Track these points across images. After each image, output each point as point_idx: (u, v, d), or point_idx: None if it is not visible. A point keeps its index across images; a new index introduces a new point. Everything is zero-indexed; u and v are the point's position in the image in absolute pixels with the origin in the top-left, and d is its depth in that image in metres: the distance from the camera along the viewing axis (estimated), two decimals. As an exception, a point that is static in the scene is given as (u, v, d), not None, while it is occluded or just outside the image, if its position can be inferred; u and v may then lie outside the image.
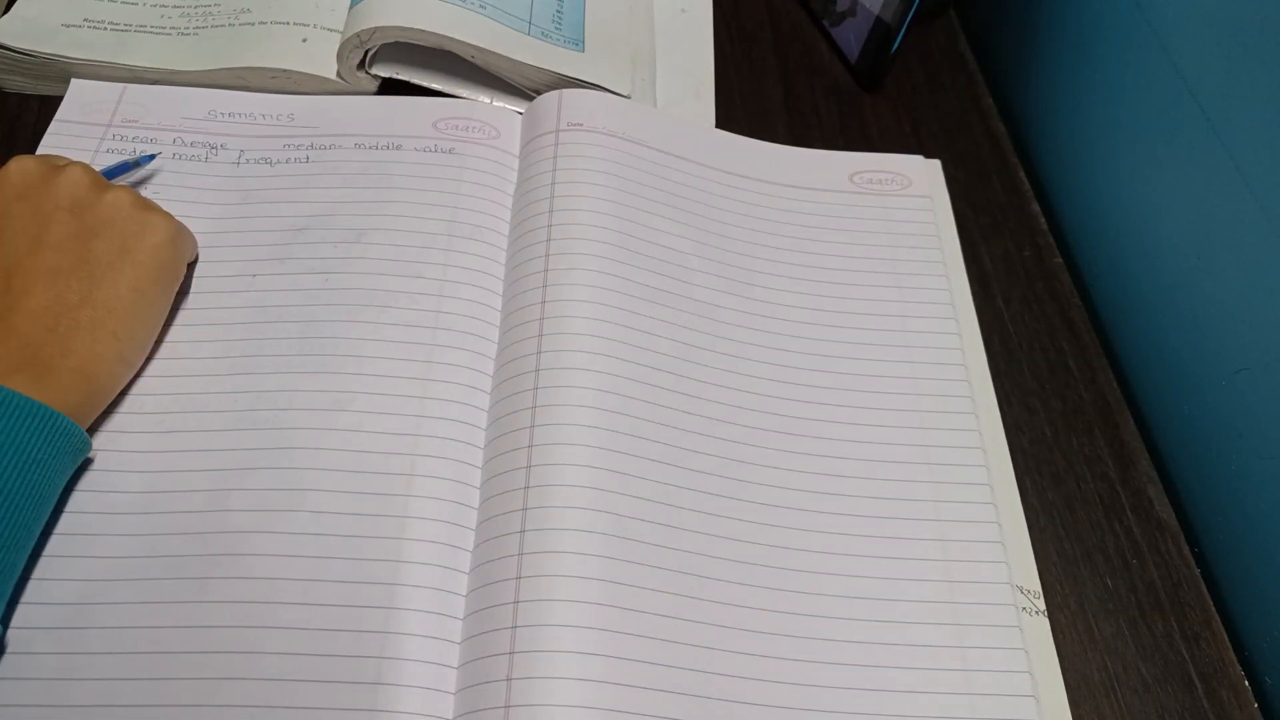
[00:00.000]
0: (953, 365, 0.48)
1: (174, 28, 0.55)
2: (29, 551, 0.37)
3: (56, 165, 0.44)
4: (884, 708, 0.38)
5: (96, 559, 0.39)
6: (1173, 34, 0.50)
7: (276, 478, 0.41)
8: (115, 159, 0.49)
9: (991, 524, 0.43)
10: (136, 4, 0.57)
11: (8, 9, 0.55)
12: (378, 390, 0.44)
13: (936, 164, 0.57)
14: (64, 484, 0.39)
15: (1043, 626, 0.42)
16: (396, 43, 0.52)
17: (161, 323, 0.44)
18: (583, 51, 0.56)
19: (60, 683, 0.36)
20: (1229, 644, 0.43)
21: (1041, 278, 0.54)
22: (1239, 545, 0.46)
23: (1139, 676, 0.42)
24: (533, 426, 0.42)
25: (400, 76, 0.54)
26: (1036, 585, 0.43)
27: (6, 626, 0.37)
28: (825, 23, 0.63)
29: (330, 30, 0.55)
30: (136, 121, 0.52)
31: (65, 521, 0.40)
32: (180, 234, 0.45)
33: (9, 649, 0.37)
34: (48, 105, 0.53)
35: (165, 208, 0.46)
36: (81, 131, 0.51)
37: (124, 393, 0.43)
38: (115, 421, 0.42)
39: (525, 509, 0.40)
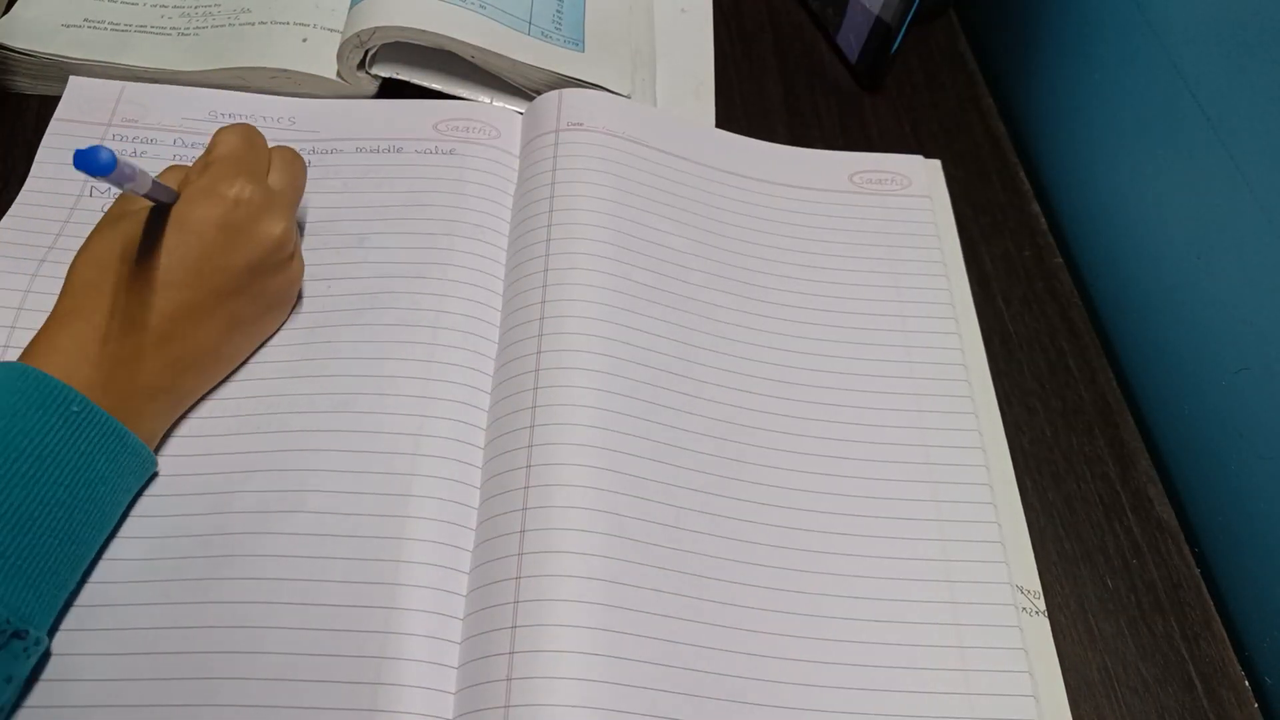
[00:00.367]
0: (952, 365, 0.48)
1: (174, 28, 0.55)
2: (82, 565, 0.37)
3: (267, 204, 0.41)
4: (883, 707, 0.38)
5: (100, 560, 0.39)
6: (1173, 34, 0.50)
7: (278, 479, 0.41)
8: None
9: (991, 524, 0.43)
10: (136, 4, 0.57)
11: (8, 9, 0.55)
12: (379, 391, 0.44)
13: (936, 164, 0.57)
14: (126, 503, 0.39)
15: (1043, 626, 0.42)
16: (397, 43, 0.52)
17: None
18: (583, 51, 0.56)
19: (63, 683, 0.36)
20: (1229, 644, 0.43)
21: (1041, 278, 0.54)
22: (1239, 545, 0.47)
23: (1139, 676, 0.42)
24: (532, 426, 0.42)
25: (400, 76, 0.54)
26: (1036, 585, 0.43)
27: (52, 637, 0.37)
28: (829, 30, 0.63)
29: (330, 30, 0.55)
30: (136, 121, 0.52)
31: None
32: None
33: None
34: (48, 105, 0.53)
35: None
36: (80, 131, 0.51)
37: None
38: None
39: (525, 509, 0.40)
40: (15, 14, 0.55)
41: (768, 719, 0.38)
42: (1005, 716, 0.39)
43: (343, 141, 0.52)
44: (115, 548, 0.39)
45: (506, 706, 0.35)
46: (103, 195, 0.49)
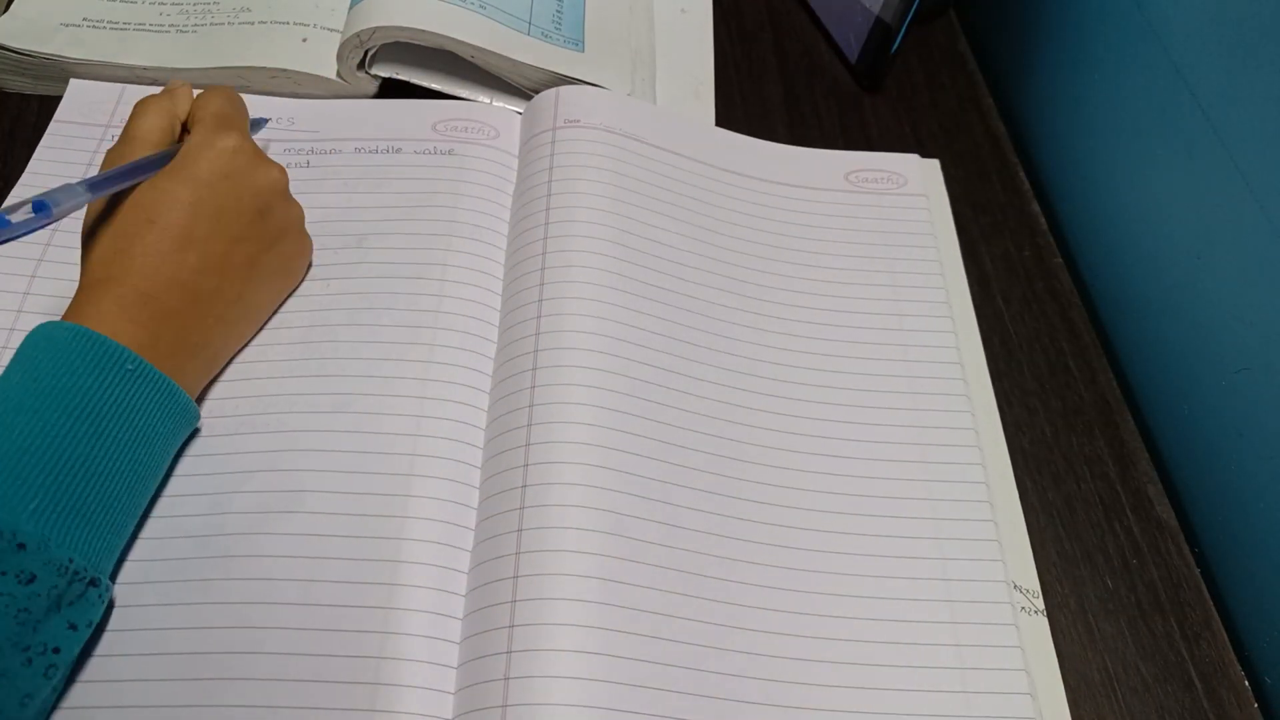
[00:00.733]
0: (949, 364, 0.48)
1: (173, 25, 0.55)
2: (138, 515, 0.39)
3: (258, 153, 0.44)
4: (881, 705, 0.38)
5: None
6: (1173, 34, 0.50)
7: (277, 479, 0.41)
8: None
9: (988, 522, 0.43)
10: (136, 2, 0.57)
11: (7, 9, 0.55)
12: (377, 391, 0.44)
13: (934, 163, 0.57)
14: (173, 453, 0.41)
15: (1041, 625, 0.42)
16: (396, 43, 0.52)
17: None
18: (582, 51, 0.56)
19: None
20: (1229, 644, 0.43)
21: (1041, 278, 0.54)
22: (1239, 545, 0.46)
23: (1139, 676, 0.42)
24: (530, 425, 0.42)
25: (400, 76, 0.54)
26: (1035, 584, 0.43)
27: (90, 652, 0.37)
28: (830, 31, 0.63)
29: (330, 30, 0.55)
30: (136, 121, 0.52)
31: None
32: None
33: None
34: (48, 105, 0.53)
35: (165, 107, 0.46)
36: (80, 132, 0.51)
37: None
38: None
39: (523, 508, 0.40)
40: (14, 13, 0.55)
41: (766, 717, 0.38)
42: (1003, 715, 0.39)
43: (342, 142, 0.52)
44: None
45: (504, 706, 0.35)
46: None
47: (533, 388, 0.43)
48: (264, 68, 0.53)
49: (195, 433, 0.42)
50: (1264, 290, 0.44)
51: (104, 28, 0.55)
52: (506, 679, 0.36)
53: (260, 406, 0.43)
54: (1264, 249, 0.44)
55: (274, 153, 0.52)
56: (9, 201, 0.48)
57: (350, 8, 0.53)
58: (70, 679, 0.36)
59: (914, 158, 0.56)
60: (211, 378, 0.43)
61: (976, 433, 0.46)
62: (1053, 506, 0.46)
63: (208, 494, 0.41)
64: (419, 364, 0.44)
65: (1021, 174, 0.58)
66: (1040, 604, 0.42)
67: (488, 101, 0.55)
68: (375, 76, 0.54)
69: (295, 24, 0.55)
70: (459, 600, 0.39)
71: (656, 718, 0.36)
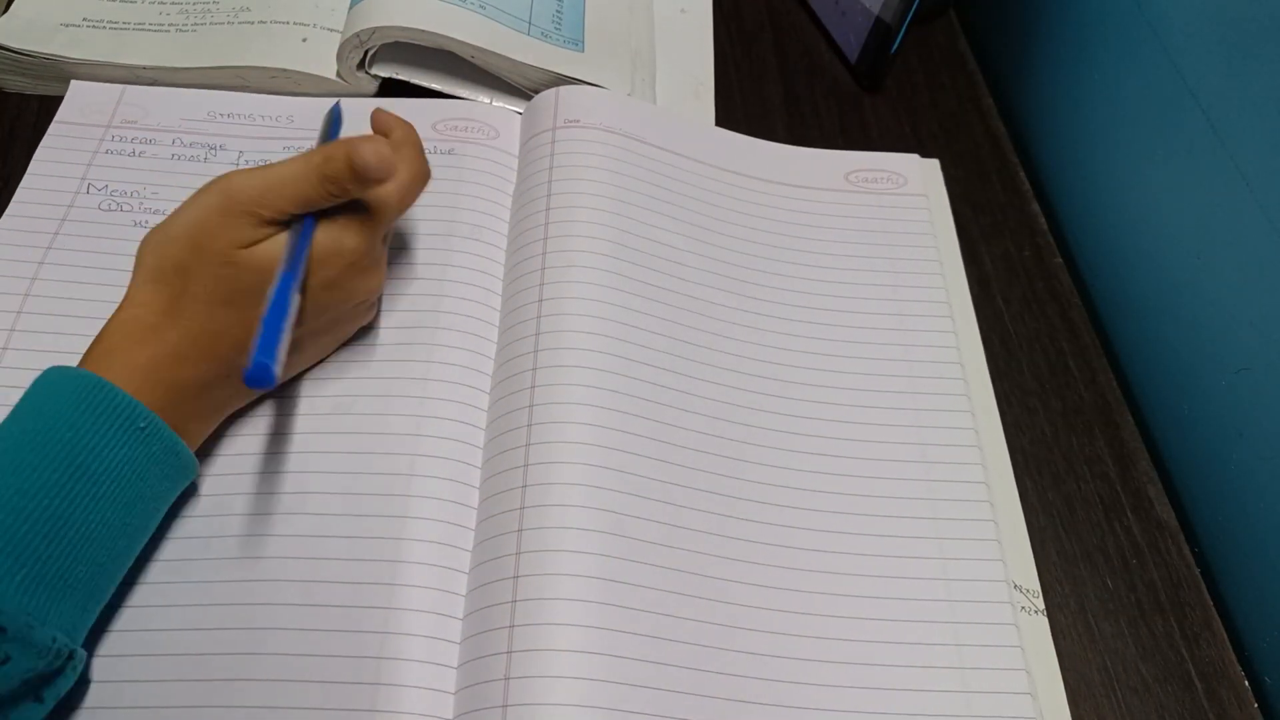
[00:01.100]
0: (949, 364, 0.48)
1: (173, 25, 0.55)
2: (121, 578, 0.37)
3: (370, 260, 0.40)
4: (881, 705, 0.38)
5: None
6: (1173, 34, 0.50)
7: (279, 481, 0.41)
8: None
9: (988, 522, 0.43)
10: (136, 2, 0.57)
11: (7, 9, 0.55)
12: (378, 392, 0.44)
13: (934, 163, 0.57)
14: (165, 510, 0.39)
15: (1041, 625, 0.42)
16: (396, 43, 0.52)
17: None
18: (582, 51, 0.56)
19: (60, 683, 0.36)
20: (1229, 644, 0.43)
21: (1041, 278, 0.54)
22: (1239, 545, 0.46)
23: (1139, 676, 0.42)
24: (530, 425, 0.42)
25: (400, 76, 0.54)
26: (1035, 584, 0.43)
27: (91, 654, 0.36)
28: (830, 31, 0.63)
29: (330, 30, 0.55)
30: (136, 122, 0.52)
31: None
32: None
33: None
34: (48, 105, 0.53)
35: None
36: (80, 133, 0.51)
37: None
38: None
39: (523, 508, 0.40)
40: (14, 14, 0.55)
41: (765, 717, 0.38)
42: (1002, 714, 0.39)
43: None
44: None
45: (504, 706, 0.35)
46: (99, 193, 0.49)
47: (533, 388, 0.43)
48: (264, 67, 0.53)
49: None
50: (1264, 290, 0.44)
51: (104, 28, 0.55)
52: (507, 679, 0.36)
53: (260, 407, 0.43)
54: (1264, 249, 0.44)
55: (272, 151, 0.51)
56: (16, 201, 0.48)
57: (350, 8, 0.53)
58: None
59: (914, 158, 0.56)
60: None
61: (976, 433, 0.46)
62: (1053, 506, 0.46)
63: (209, 495, 0.41)
64: (419, 364, 0.44)
65: (1021, 174, 0.58)
66: (1040, 604, 0.42)
67: (488, 101, 0.55)
68: (375, 76, 0.54)
69: (295, 24, 0.55)
70: (459, 600, 0.39)
71: (657, 717, 0.36)
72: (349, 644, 0.38)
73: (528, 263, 0.47)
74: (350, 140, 0.38)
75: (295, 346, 0.40)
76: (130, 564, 0.37)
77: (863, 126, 0.59)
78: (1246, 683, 0.42)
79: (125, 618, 0.38)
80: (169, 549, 0.39)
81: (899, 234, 0.53)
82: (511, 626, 0.37)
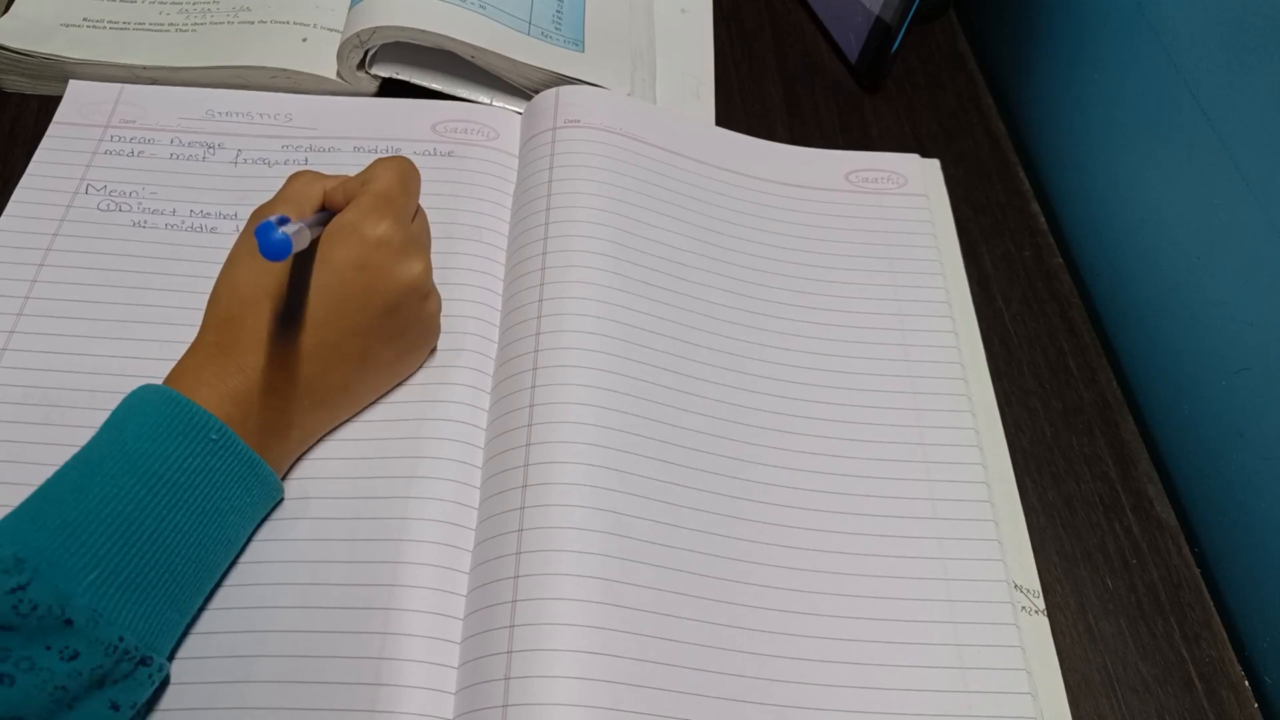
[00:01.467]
0: (949, 364, 0.48)
1: (173, 24, 0.55)
2: (206, 591, 0.37)
3: (405, 245, 0.41)
4: (881, 705, 0.38)
5: None
6: (1173, 34, 0.50)
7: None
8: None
9: (988, 522, 0.43)
10: (136, 2, 0.57)
11: (7, 9, 0.55)
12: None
13: (934, 163, 0.57)
14: (252, 530, 0.39)
15: (1042, 625, 0.42)
16: (396, 43, 0.52)
17: None
18: (582, 52, 0.56)
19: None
20: (1229, 644, 0.43)
21: (1041, 278, 0.54)
22: (1239, 545, 0.46)
23: (1139, 676, 0.42)
24: (530, 425, 0.42)
25: (400, 76, 0.54)
26: (1035, 584, 0.43)
27: (171, 660, 0.37)
28: (830, 31, 0.63)
29: (330, 30, 0.55)
30: (134, 122, 0.52)
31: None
32: None
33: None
34: (48, 105, 0.53)
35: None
36: (80, 133, 0.51)
37: (118, 392, 0.43)
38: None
39: (523, 508, 0.40)
40: (15, 14, 0.55)
41: (766, 717, 0.38)
42: (1002, 714, 0.39)
43: (340, 140, 0.52)
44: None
45: (504, 706, 0.35)
46: (98, 193, 0.49)
47: (533, 388, 0.43)
48: (264, 67, 0.53)
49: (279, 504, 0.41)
50: (1264, 290, 0.44)
51: (104, 28, 0.55)
52: (507, 679, 0.36)
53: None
54: (1264, 249, 0.44)
55: (271, 149, 0.51)
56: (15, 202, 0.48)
57: (350, 8, 0.53)
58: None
59: (914, 158, 0.56)
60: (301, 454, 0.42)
61: (976, 433, 0.46)
62: (1053, 506, 0.46)
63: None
64: (419, 365, 0.44)
65: (1021, 174, 0.58)
66: (1040, 604, 0.42)
67: (488, 102, 0.55)
68: (375, 76, 0.54)
69: (295, 24, 0.55)
70: (460, 600, 0.39)
71: (657, 717, 0.36)
72: (349, 644, 0.37)
73: (528, 263, 0.47)
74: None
75: (367, 360, 0.41)
76: (215, 577, 0.38)
77: (863, 126, 0.59)
78: (1246, 683, 0.42)
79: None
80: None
81: (899, 234, 0.53)
82: (512, 626, 0.37)
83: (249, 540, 0.40)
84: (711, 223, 0.51)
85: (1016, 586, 0.43)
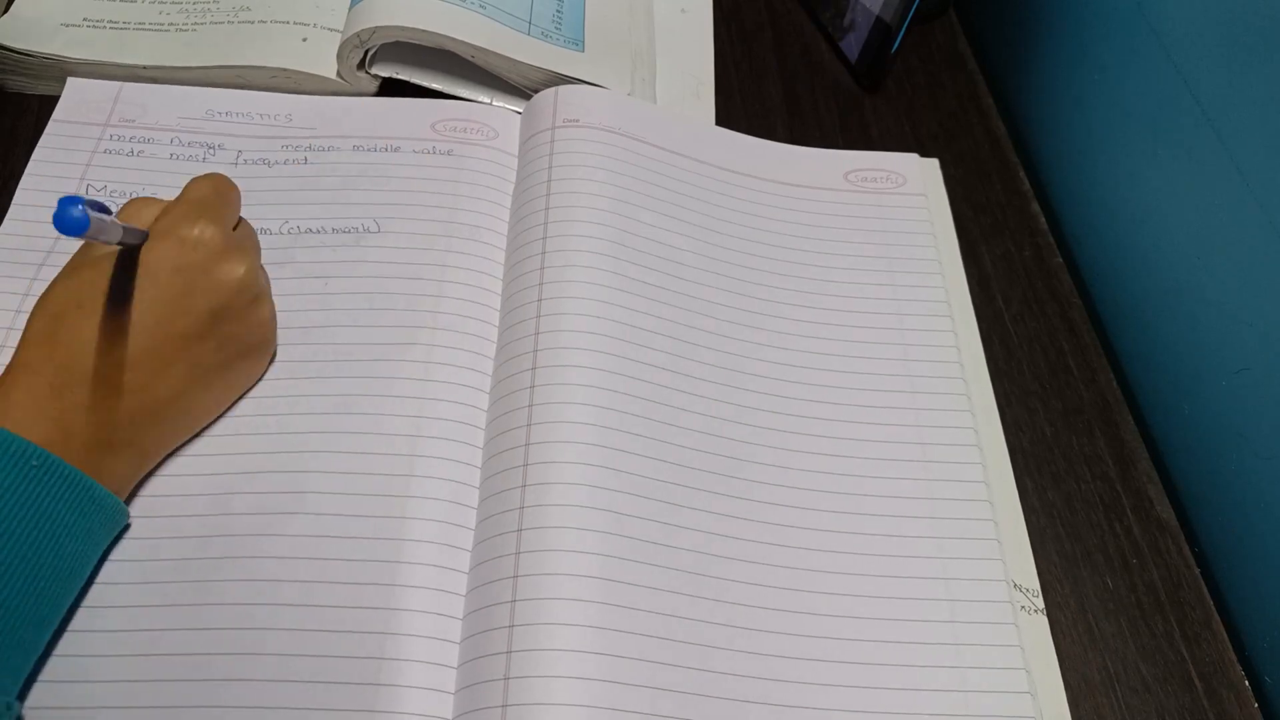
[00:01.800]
0: (948, 363, 0.48)
1: (173, 24, 0.55)
2: (53, 624, 0.36)
3: (226, 247, 0.40)
4: (881, 704, 0.38)
5: (104, 562, 0.39)
6: (1173, 34, 0.50)
7: (278, 480, 0.41)
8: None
9: (987, 521, 0.43)
10: (136, 2, 0.57)
11: (7, 9, 0.55)
12: (377, 392, 0.44)
13: (933, 163, 0.57)
14: (98, 556, 0.38)
15: (1041, 625, 0.42)
16: (396, 42, 0.52)
17: None
18: (582, 51, 0.56)
19: (62, 684, 0.36)
20: (1229, 644, 0.43)
21: (1041, 278, 0.54)
22: (1239, 545, 0.46)
23: (1139, 676, 0.42)
24: (530, 425, 0.42)
25: (400, 76, 0.54)
26: (1035, 583, 0.43)
27: (22, 703, 0.35)
28: (831, 31, 0.63)
29: (330, 30, 0.55)
30: (134, 121, 0.52)
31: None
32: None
33: None
34: (48, 105, 0.53)
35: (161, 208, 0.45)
36: (78, 132, 0.51)
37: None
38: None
39: (522, 508, 0.40)
40: (15, 14, 0.55)
41: (766, 716, 0.38)
42: (1002, 714, 0.39)
43: (340, 139, 0.52)
44: (118, 549, 0.39)
45: (504, 706, 0.35)
46: (98, 194, 0.49)
47: (532, 387, 0.43)
48: (264, 67, 0.53)
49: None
50: (1264, 290, 0.44)
51: (104, 28, 0.55)
52: (506, 679, 0.36)
53: (260, 407, 0.43)
54: (1264, 249, 0.44)
55: (271, 149, 0.51)
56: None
57: (350, 7, 0.53)
58: (73, 679, 0.36)
59: (913, 157, 0.56)
60: (147, 473, 0.40)
61: (976, 433, 0.46)
62: (1053, 506, 0.46)
63: (209, 494, 0.41)
64: (419, 364, 0.44)
65: (1021, 174, 0.58)
66: (1040, 603, 0.42)
67: (487, 101, 0.55)
68: (375, 76, 0.54)
69: (295, 24, 0.55)
70: (459, 600, 0.39)
71: (656, 717, 0.36)
72: (349, 644, 0.37)
73: (527, 262, 0.47)
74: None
75: (196, 367, 0.39)
76: (60, 609, 0.36)
77: (863, 126, 0.59)
78: (1246, 683, 0.42)
79: (126, 617, 0.38)
80: (167, 548, 0.39)
81: (899, 233, 0.53)
82: (511, 626, 0.37)
83: (247, 536, 0.39)
84: (711, 222, 0.51)
85: (1016, 586, 0.43)
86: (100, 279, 0.37)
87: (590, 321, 0.45)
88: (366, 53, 0.53)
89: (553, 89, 0.53)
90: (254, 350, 0.42)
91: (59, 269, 0.46)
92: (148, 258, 0.38)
